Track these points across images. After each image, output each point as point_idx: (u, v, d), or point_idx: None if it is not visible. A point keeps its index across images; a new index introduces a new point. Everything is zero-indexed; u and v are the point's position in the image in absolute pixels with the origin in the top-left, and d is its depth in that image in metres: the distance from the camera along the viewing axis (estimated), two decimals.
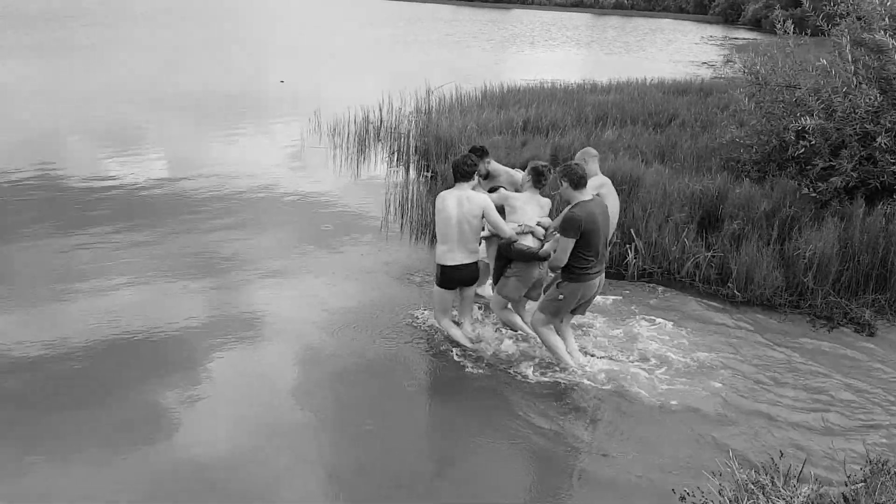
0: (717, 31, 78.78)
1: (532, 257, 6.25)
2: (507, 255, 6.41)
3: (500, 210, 6.52)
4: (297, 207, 10.77)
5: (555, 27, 79.37)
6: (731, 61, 12.62)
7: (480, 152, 7.13)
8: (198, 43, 35.82)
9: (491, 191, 6.95)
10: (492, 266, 6.84)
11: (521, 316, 6.72)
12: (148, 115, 17.13)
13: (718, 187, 9.25)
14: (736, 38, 62.26)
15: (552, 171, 6.33)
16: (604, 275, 6.24)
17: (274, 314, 7.21)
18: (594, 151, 7.13)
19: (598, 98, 15.95)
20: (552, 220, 6.52)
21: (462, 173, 6.41)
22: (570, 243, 5.74)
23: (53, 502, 4.59)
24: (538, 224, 6.41)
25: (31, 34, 34.96)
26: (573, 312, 6.29)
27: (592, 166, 6.90)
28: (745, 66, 10.48)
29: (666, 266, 8.57)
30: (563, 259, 5.80)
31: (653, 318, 7.38)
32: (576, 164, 6.02)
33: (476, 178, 6.57)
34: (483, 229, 6.56)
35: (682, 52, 48.31)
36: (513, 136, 12.40)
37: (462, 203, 6.31)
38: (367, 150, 14.76)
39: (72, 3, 57.11)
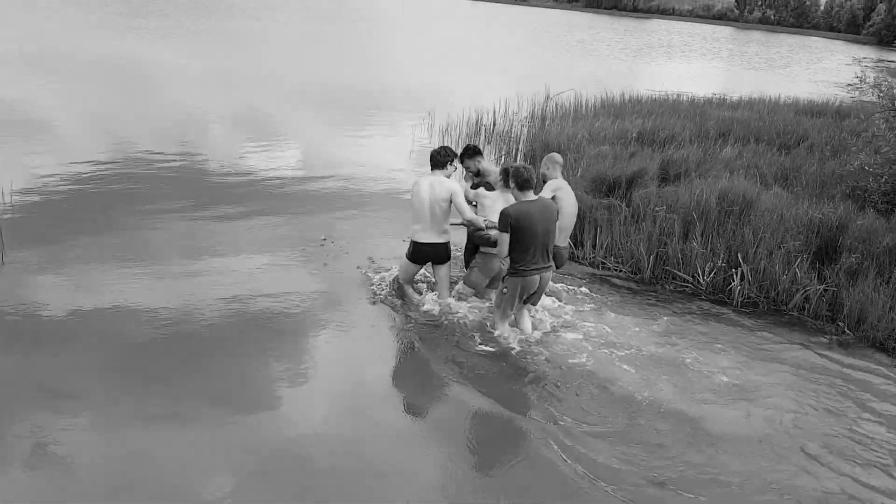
0: (870, 53, 73.99)
1: (486, 242, 6.89)
2: (471, 240, 7.24)
3: (475, 207, 7.22)
4: (396, 200, 10.74)
5: (693, 39, 76.81)
6: (860, 81, 11.53)
7: (473, 151, 7.61)
8: (338, 39, 36.83)
9: (475, 186, 7.51)
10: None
11: (521, 321, 6.82)
12: (283, 105, 17.72)
13: (840, 217, 8.48)
14: (891, 61, 58.20)
15: (528, 171, 6.42)
16: (550, 273, 6.51)
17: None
18: (558, 158, 7.60)
19: (724, 114, 15.11)
20: None
21: (436, 162, 7.12)
22: (504, 237, 6.18)
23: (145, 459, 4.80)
24: (486, 220, 7.00)
25: (193, 22, 37.00)
26: (524, 302, 6.63)
27: (553, 171, 7.45)
28: (881, 90, 9.58)
29: (773, 296, 7.91)
30: (502, 251, 6.25)
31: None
32: (523, 167, 6.35)
33: (449, 167, 7.16)
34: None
35: (828, 72, 45.59)
36: (623, 146, 11.88)
37: (434, 187, 6.98)
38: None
39: None
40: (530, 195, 6.29)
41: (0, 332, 6.16)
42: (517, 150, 14.34)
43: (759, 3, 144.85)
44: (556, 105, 17.59)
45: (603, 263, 8.64)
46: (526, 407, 5.78)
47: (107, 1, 46.36)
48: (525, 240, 6.19)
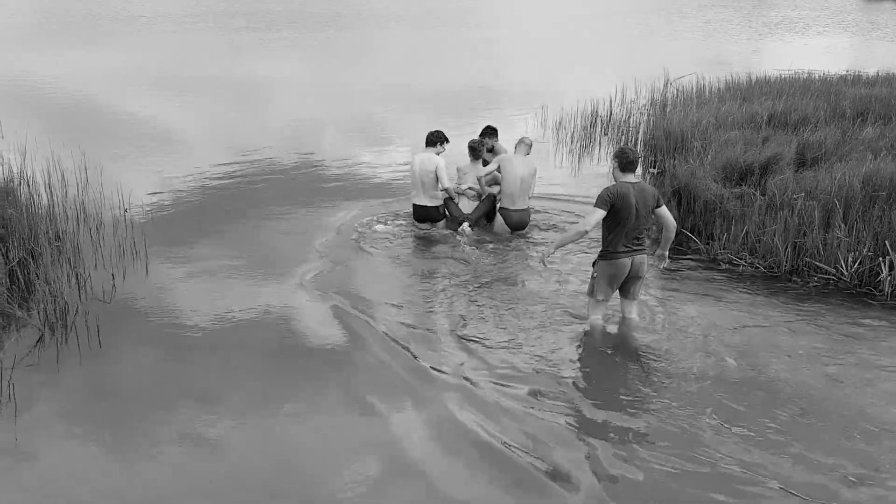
0: None
1: (456, 211, 9.10)
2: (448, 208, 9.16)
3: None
4: None
5: (818, 12, 72.46)
6: None
7: (488, 130, 9.89)
8: (436, 44, 37.03)
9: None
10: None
11: (629, 312, 6.63)
12: (398, 110, 17.91)
13: None
14: None
15: (483, 144, 8.27)
16: (644, 257, 6.30)
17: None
18: (529, 140, 9.30)
19: (860, 91, 14.02)
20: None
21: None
22: (598, 213, 6.07)
23: None
24: (469, 188, 9.24)
25: (295, 34, 38.17)
26: (624, 294, 6.50)
27: (521, 149, 9.16)
28: None
29: None
30: (589, 222, 6.09)
31: None
32: (628, 148, 6.29)
33: (439, 147, 9.06)
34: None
35: None
36: (754, 130, 11.21)
37: (423, 162, 8.93)
38: (591, 144, 14.20)
39: (319, 6, 61.62)
40: (630, 177, 6.20)
41: (149, 337, 6.41)
42: (637, 139, 13.86)
43: None
44: (677, 90, 16.87)
45: (737, 259, 8.11)
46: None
47: (224, 18, 48.40)
48: (618, 221, 6.10)
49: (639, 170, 12.28)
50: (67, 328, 6.37)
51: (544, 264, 6.64)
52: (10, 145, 10.58)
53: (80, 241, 8.17)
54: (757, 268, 7.94)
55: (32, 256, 7.41)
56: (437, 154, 9.02)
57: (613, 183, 6.24)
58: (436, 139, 9.11)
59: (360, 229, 9.14)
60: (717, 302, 7.21)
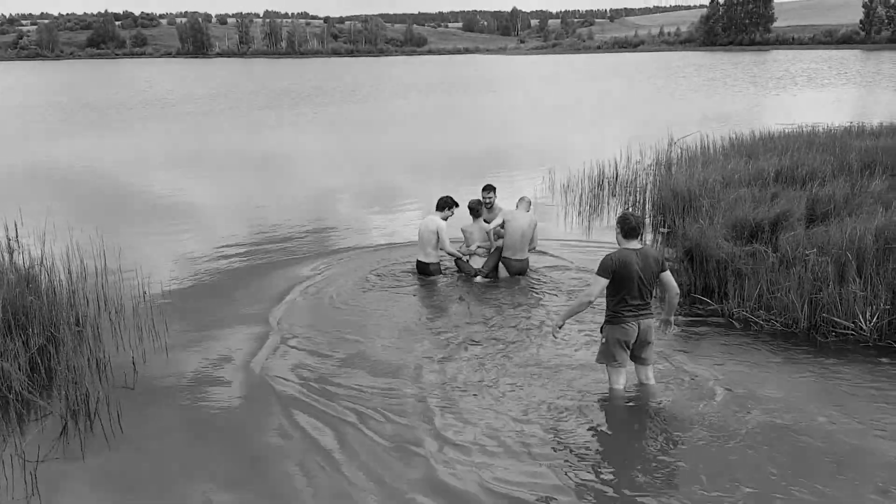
0: None
1: (469, 269, 10.08)
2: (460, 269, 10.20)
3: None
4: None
5: (819, 65, 73.55)
6: None
7: (489, 188, 10.84)
8: (443, 110, 37.75)
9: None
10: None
11: (644, 377, 6.63)
12: (408, 176, 18.23)
13: None
14: None
15: (481, 203, 8.63)
16: (651, 321, 6.37)
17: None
18: (528, 199, 10.39)
19: (866, 143, 14.16)
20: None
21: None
22: (600, 281, 6.18)
23: None
24: (479, 246, 10.23)
25: (313, 109, 39.01)
26: (634, 359, 6.51)
27: (522, 206, 10.23)
28: None
29: None
30: (593, 292, 6.22)
31: None
32: (631, 214, 6.32)
33: (446, 211, 10.12)
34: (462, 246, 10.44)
35: None
36: (762, 187, 11.30)
37: (428, 223, 9.96)
38: (600, 205, 14.31)
39: (336, 82, 63.12)
40: (634, 243, 6.28)
41: (173, 422, 6.42)
42: (644, 199, 13.96)
43: (886, 21, 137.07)
44: (682, 150, 17.09)
45: (751, 318, 8.09)
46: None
47: (246, 97, 49.54)
48: (620, 287, 6.20)
49: (648, 230, 12.43)
50: (90, 415, 6.38)
51: (554, 336, 6.84)
52: (30, 231, 10.76)
53: (100, 325, 8.25)
54: (774, 325, 7.91)
55: (53, 342, 7.49)
56: (445, 218, 10.06)
57: (615, 250, 6.31)
58: (444, 204, 10.16)
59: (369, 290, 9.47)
60: (737, 363, 7.16)
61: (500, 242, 10.11)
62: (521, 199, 10.41)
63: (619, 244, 6.36)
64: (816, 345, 7.50)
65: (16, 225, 10.20)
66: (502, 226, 9.98)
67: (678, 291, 6.44)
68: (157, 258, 11.23)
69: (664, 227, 12.22)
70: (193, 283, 10.19)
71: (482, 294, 9.45)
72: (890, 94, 39.70)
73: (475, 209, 10.28)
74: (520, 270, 10.02)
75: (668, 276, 6.36)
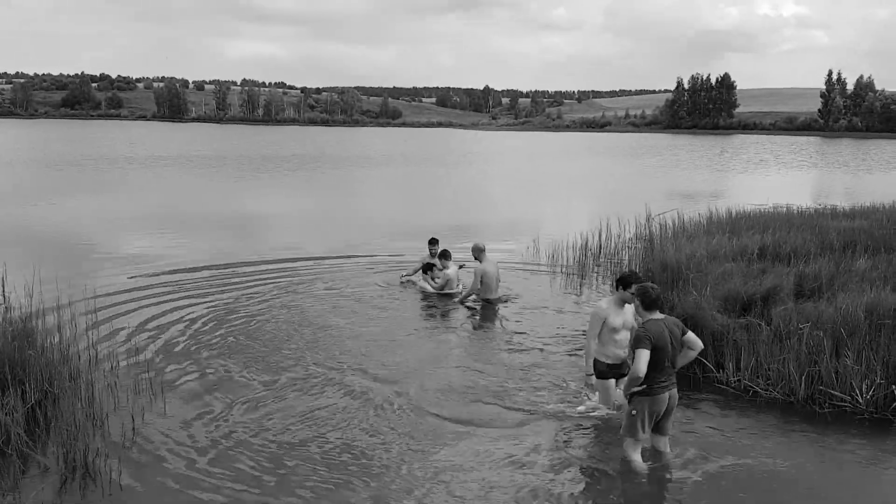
0: None
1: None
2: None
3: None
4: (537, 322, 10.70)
5: (781, 149, 76.14)
6: None
7: (435, 242, 13.72)
8: (422, 179, 38.25)
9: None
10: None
11: (662, 446, 6.67)
12: (389, 241, 18.29)
13: None
14: None
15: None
16: (676, 390, 6.41)
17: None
18: (481, 245, 12.45)
19: (842, 224, 14.62)
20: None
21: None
22: (644, 354, 6.06)
23: None
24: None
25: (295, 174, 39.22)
26: (655, 430, 6.49)
27: (483, 256, 12.34)
28: None
29: None
30: (641, 369, 6.05)
31: None
32: (651, 287, 6.38)
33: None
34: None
35: None
36: (748, 263, 11.58)
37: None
38: (587, 276, 14.51)
39: (315, 150, 63.76)
40: (657, 314, 6.32)
41: (172, 479, 6.27)
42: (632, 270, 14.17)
43: (844, 112, 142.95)
44: (661, 225, 17.46)
45: (750, 387, 8.23)
46: None
47: (224, 168, 49.77)
48: (658, 359, 6.15)
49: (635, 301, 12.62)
50: (89, 471, 6.22)
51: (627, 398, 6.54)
52: (18, 286, 10.59)
53: (94, 380, 8.08)
54: (773, 394, 8.04)
55: (49, 397, 7.33)
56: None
57: (644, 322, 6.29)
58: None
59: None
60: (738, 431, 7.24)
61: (473, 294, 12.40)
62: (475, 247, 12.40)
63: (640, 317, 6.38)
64: (815, 416, 7.63)
65: (2, 280, 10.10)
66: (481, 281, 12.13)
67: (702, 346, 6.50)
68: (148, 313, 11.10)
69: None
70: (185, 337, 10.06)
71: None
72: (851, 178, 41.27)
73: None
74: (497, 303, 12.29)
75: (692, 335, 6.42)
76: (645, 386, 6.22)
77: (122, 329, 10.24)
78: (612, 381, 7.40)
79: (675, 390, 6.38)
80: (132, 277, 13.61)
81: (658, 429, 6.50)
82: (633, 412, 6.32)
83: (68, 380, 7.84)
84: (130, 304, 11.62)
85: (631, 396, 6.33)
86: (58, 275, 12.16)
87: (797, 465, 6.59)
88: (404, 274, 13.88)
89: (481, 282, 12.28)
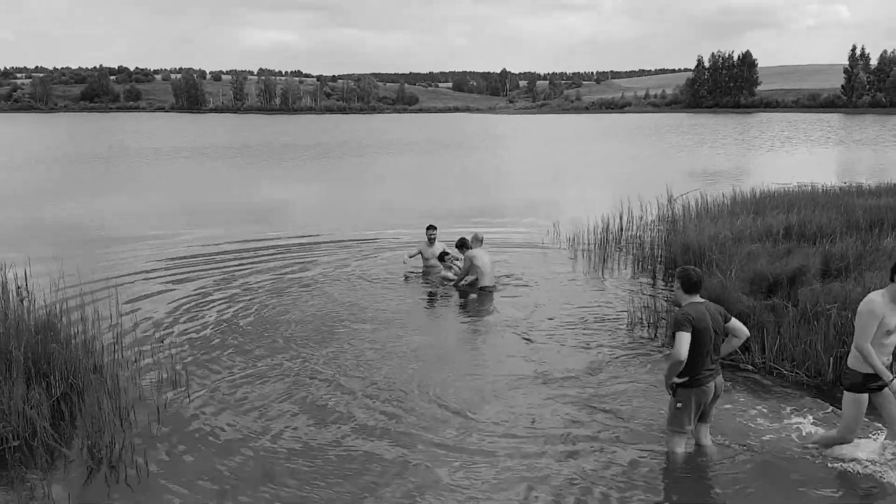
0: None
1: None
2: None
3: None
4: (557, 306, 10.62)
5: (806, 126, 75.15)
6: None
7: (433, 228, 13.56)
8: (445, 166, 38.12)
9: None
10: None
11: (703, 439, 6.43)
12: (408, 227, 18.25)
13: None
14: None
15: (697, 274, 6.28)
16: (721, 378, 6.17)
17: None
18: (480, 235, 12.60)
19: (868, 202, 14.36)
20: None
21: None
22: (685, 336, 5.79)
23: None
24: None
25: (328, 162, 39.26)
26: (700, 419, 6.28)
27: (477, 244, 12.43)
28: None
29: None
30: (682, 352, 5.78)
31: None
32: (693, 269, 6.16)
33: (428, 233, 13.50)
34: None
35: None
36: (774, 244, 11.41)
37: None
38: (608, 260, 14.38)
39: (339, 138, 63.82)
40: (697, 297, 6.09)
41: (198, 468, 6.29)
42: (654, 253, 14.04)
43: (868, 87, 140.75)
44: (683, 207, 17.25)
45: (776, 368, 8.11)
46: None
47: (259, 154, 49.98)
48: (700, 344, 5.87)
49: (659, 284, 12.50)
50: (115, 463, 6.26)
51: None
52: (42, 280, 10.67)
53: (119, 372, 8.12)
54: (799, 376, 7.92)
55: (74, 390, 7.38)
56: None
57: (684, 306, 6.05)
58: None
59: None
60: (776, 418, 7.14)
61: (470, 278, 12.32)
62: (475, 237, 12.48)
63: (679, 300, 6.15)
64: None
65: (26, 274, 10.18)
66: (469, 269, 12.20)
67: (747, 334, 6.25)
68: (172, 304, 11.16)
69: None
70: (210, 326, 10.12)
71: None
72: (876, 154, 40.64)
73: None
74: (492, 289, 12.21)
75: (736, 322, 6.16)
76: (688, 377, 5.95)
77: (146, 320, 10.30)
78: (866, 396, 6.08)
79: (720, 378, 6.13)
80: (154, 269, 13.67)
81: (701, 417, 6.26)
82: (679, 404, 6.07)
83: (93, 372, 7.89)
84: (153, 295, 11.70)
85: (676, 388, 6.04)
86: (80, 268, 12.23)
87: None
88: (409, 256, 13.71)
89: (472, 267, 12.24)
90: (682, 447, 6.22)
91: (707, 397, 6.07)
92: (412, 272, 13.49)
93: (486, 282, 12.18)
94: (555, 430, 6.94)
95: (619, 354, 8.99)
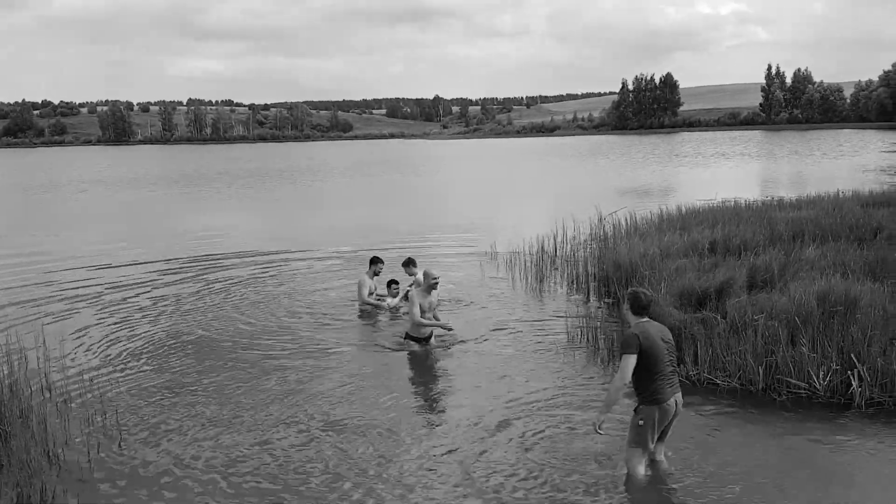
0: None
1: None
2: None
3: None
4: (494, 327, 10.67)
5: (725, 145, 77.79)
6: None
7: (407, 262, 12.78)
8: (377, 190, 38.05)
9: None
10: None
11: (659, 454, 6.38)
12: (351, 251, 18.15)
13: None
14: None
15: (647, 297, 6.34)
16: (680, 394, 6.20)
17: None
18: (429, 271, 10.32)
19: (790, 214, 14.97)
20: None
21: (370, 262, 12.86)
22: (631, 359, 5.85)
23: None
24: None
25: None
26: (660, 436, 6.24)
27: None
28: None
29: None
30: (626, 375, 5.88)
31: None
32: (643, 292, 6.21)
33: (371, 267, 12.68)
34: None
35: (872, 160, 45.44)
36: (700, 258, 11.77)
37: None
38: (544, 280, 14.55)
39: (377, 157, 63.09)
40: (644, 318, 6.16)
41: None
42: (587, 271, 14.27)
43: (785, 104, 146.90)
44: (614, 225, 17.64)
45: (709, 379, 8.35)
46: None
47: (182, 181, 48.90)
48: (654, 362, 5.91)
49: (593, 301, 12.72)
50: None
51: (598, 431, 6.08)
52: None
53: (47, 415, 7.82)
54: (732, 384, 8.17)
55: (1, 437, 7.09)
56: (371, 276, 12.59)
57: (633, 326, 6.11)
58: (372, 264, 12.73)
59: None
60: (710, 429, 7.32)
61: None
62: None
63: (628, 322, 6.20)
64: (774, 403, 7.77)
65: None
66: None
67: None
68: (99, 340, 10.84)
69: (608, 298, 12.53)
70: (138, 362, 9.86)
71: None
72: (793, 167, 42.35)
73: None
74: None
75: None
76: (648, 395, 5.95)
77: (73, 359, 9.97)
78: None
79: (679, 394, 6.13)
80: (83, 298, 13.27)
81: (660, 436, 6.22)
82: (641, 421, 6.01)
83: (19, 417, 7.60)
84: (78, 333, 11.30)
85: (638, 406, 6.03)
86: (3, 311, 11.81)
87: (761, 451, 6.71)
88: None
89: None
90: (642, 465, 6.17)
91: (668, 415, 6.05)
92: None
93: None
94: (494, 458, 6.95)
95: (558, 374, 9.07)
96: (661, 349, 5.96)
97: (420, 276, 11.52)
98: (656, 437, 6.12)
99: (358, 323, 11.85)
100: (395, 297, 12.51)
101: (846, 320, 8.30)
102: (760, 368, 8.08)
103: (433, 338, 10.34)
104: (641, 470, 6.16)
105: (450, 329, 10.32)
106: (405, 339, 10.33)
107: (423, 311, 10.03)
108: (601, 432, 6.09)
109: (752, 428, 7.27)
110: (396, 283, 12.66)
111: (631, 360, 5.84)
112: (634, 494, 6.11)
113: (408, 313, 10.48)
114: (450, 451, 6.99)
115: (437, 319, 10.36)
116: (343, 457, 6.94)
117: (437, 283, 10.18)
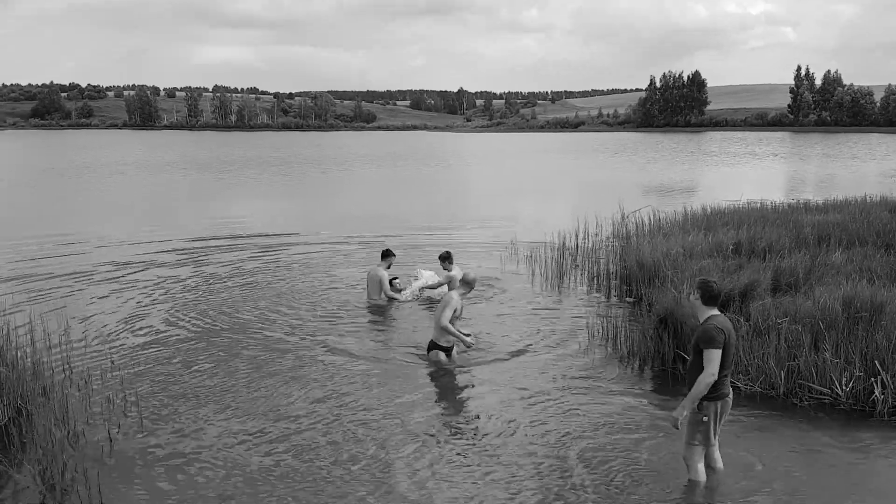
0: None
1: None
2: None
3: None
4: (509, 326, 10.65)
5: (753, 145, 76.98)
6: None
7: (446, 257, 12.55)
8: (410, 180, 38.02)
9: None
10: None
11: (714, 455, 6.29)
12: (379, 243, 18.20)
13: None
14: None
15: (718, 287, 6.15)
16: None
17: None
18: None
19: (816, 218, 14.77)
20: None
21: (382, 255, 12.71)
22: (717, 354, 5.75)
23: None
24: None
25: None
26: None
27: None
28: None
29: None
30: (714, 369, 5.75)
31: None
32: (714, 281, 6.03)
33: (386, 261, 12.56)
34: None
35: None
36: (725, 259, 11.65)
37: (370, 271, 12.57)
38: (565, 276, 14.49)
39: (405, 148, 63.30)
40: (715, 310, 6.02)
41: (152, 494, 6.16)
42: (608, 269, 14.20)
43: (814, 106, 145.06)
44: (636, 223, 17.53)
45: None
46: None
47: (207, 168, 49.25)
48: (725, 357, 5.84)
49: (614, 299, 12.64)
50: (67, 490, 6.09)
51: (677, 427, 5.99)
52: None
53: (67, 394, 7.92)
54: (752, 388, 8.09)
55: (23, 415, 7.18)
56: (386, 268, 12.53)
57: (707, 318, 5.95)
58: (385, 256, 12.63)
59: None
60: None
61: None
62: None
63: (697, 312, 6.11)
64: (795, 409, 7.68)
65: None
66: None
67: None
68: (123, 326, 10.92)
69: (630, 297, 12.45)
70: (159, 343, 9.97)
71: None
72: (822, 171, 41.83)
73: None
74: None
75: None
76: (714, 391, 5.86)
77: (95, 339, 10.08)
78: None
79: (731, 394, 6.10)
80: (105, 278, 13.40)
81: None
82: (705, 418, 5.91)
83: (42, 395, 7.70)
84: (101, 314, 11.43)
85: (701, 403, 5.88)
86: (28, 289, 11.95)
87: (781, 458, 6.63)
88: (400, 293, 12.62)
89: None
90: (702, 461, 6.11)
91: (727, 409, 6.04)
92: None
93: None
94: (530, 449, 6.96)
95: (578, 371, 9.03)
96: (733, 345, 5.92)
97: (456, 274, 11.62)
98: (718, 431, 6.06)
99: (379, 319, 11.75)
100: (398, 292, 12.57)
101: (871, 326, 8.19)
102: (782, 373, 7.99)
103: (455, 351, 9.52)
104: (702, 467, 6.11)
105: (471, 345, 9.54)
106: (429, 351, 9.45)
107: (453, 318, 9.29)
108: (679, 428, 6.01)
109: (772, 434, 7.20)
110: (397, 278, 12.82)
111: (718, 355, 5.74)
112: (674, 494, 6.08)
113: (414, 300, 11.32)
114: (466, 449, 7.00)
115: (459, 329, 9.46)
116: (360, 449, 6.96)
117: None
